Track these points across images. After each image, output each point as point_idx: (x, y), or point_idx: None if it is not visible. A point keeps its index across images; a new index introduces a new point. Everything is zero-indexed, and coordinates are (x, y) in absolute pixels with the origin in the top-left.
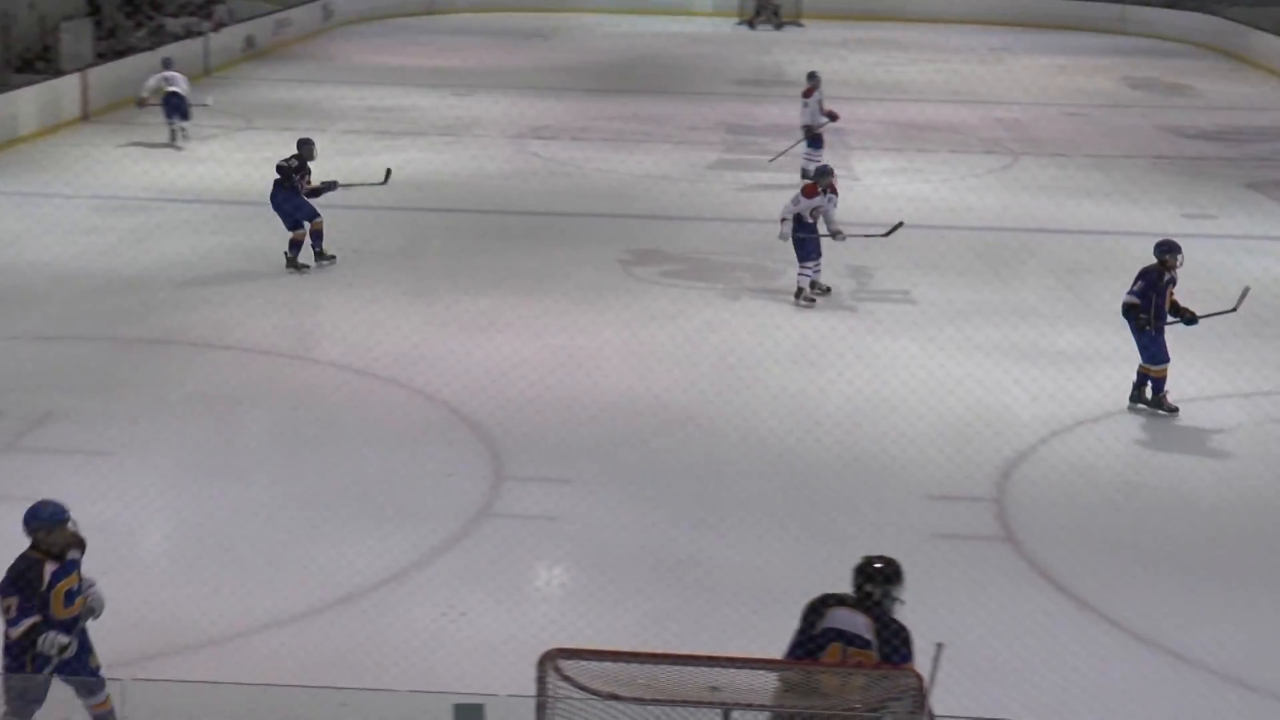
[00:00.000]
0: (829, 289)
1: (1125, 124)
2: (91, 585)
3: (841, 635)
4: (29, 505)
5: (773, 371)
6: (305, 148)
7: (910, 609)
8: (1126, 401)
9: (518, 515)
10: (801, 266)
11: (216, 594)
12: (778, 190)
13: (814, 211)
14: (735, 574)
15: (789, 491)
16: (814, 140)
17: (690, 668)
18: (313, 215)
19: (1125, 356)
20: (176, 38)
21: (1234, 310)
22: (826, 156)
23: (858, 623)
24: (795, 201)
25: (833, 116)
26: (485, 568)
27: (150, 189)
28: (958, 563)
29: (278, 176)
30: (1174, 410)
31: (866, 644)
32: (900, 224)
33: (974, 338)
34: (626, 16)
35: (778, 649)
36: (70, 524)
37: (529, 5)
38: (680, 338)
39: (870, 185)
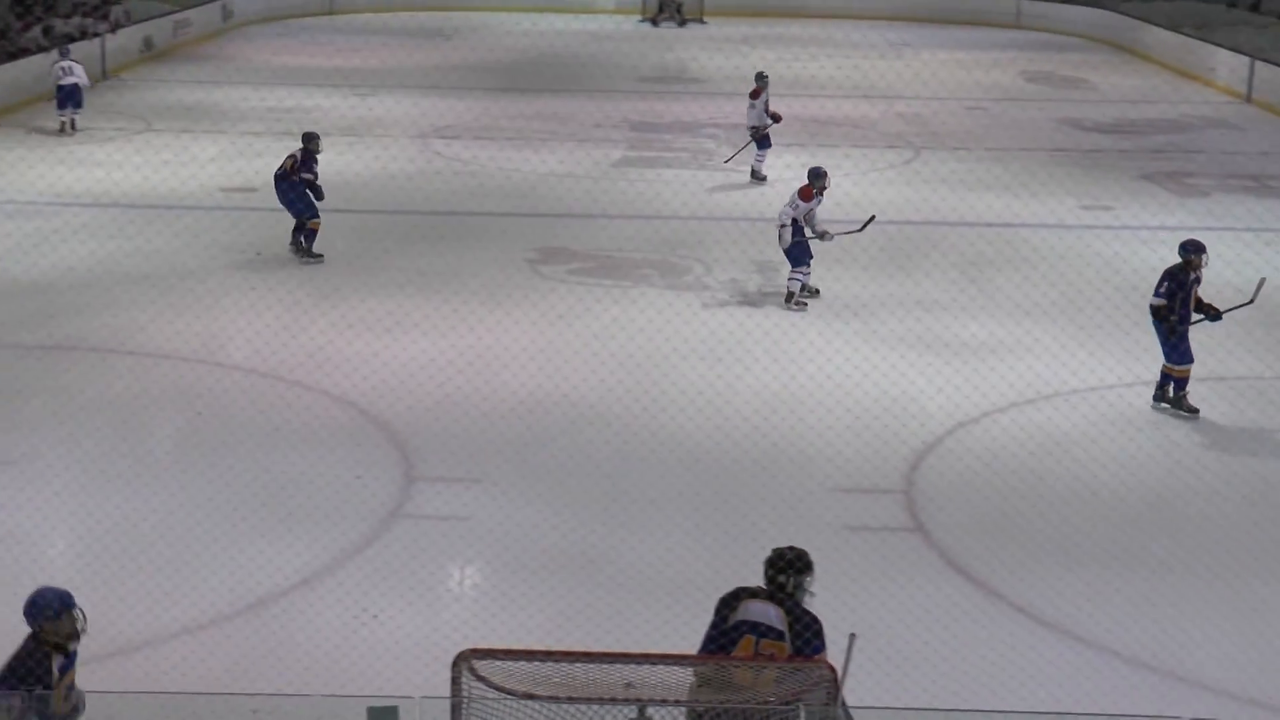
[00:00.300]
0: (818, 291)
1: (1023, 117)
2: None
3: (754, 627)
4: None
5: (680, 368)
6: (311, 141)
7: (822, 600)
8: (1150, 400)
9: (429, 516)
10: (794, 270)
11: (123, 602)
12: (681, 188)
13: (807, 215)
14: (648, 570)
15: (699, 487)
16: (762, 141)
17: (605, 665)
18: (314, 214)
19: (1028, 347)
20: (70, 39)
21: (1252, 302)
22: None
23: (770, 614)
24: (794, 206)
25: (776, 118)
26: (397, 569)
27: (47, 193)
28: (868, 554)
29: (281, 170)
30: (1194, 412)
31: (779, 635)
32: (873, 217)
33: (879, 330)
34: (528, 14)
35: (691, 644)
36: (75, 611)
37: (430, 4)
38: (588, 335)
39: (774, 181)
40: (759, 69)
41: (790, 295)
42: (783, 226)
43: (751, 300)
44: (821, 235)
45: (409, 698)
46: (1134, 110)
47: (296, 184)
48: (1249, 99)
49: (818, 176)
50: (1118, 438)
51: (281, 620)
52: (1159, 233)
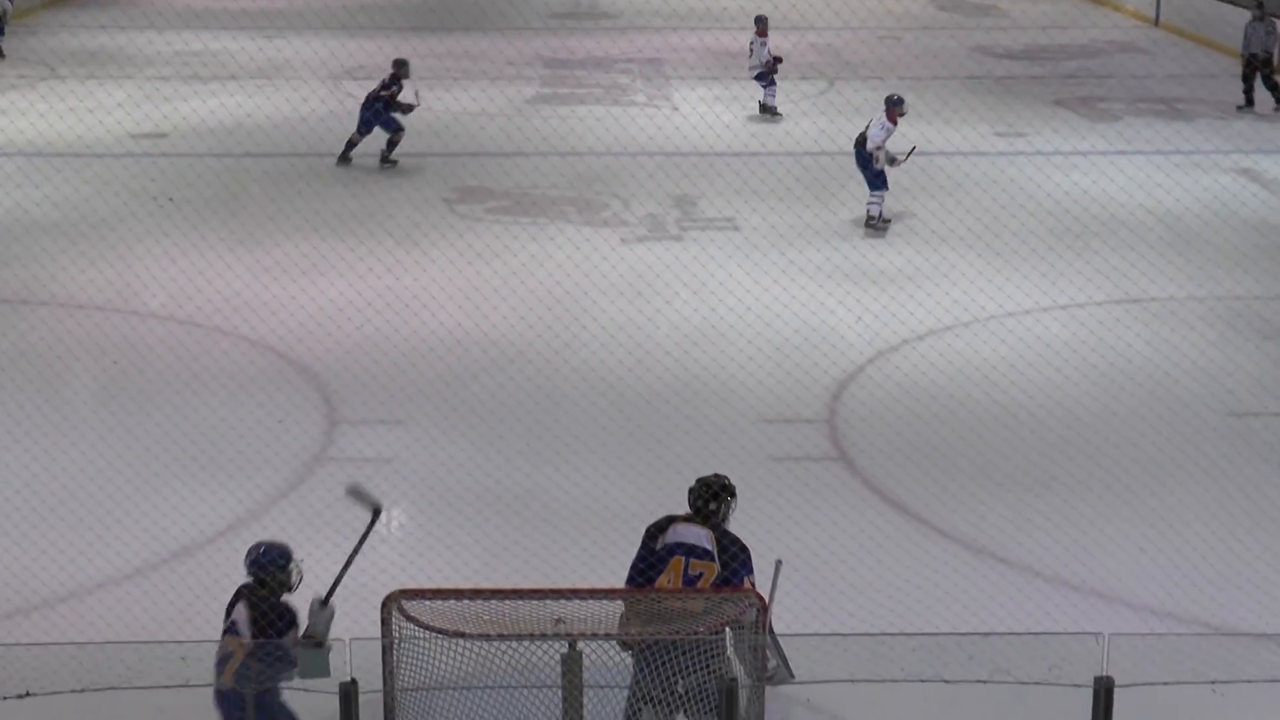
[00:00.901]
0: (890, 220)
1: (936, 45)
2: None
3: (684, 548)
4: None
5: (601, 303)
6: (401, 67)
7: (748, 530)
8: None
9: (353, 459)
10: (874, 194)
11: (44, 555)
12: (596, 124)
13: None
14: (574, 505)
15: (623, 421)
16: (767, 77)
17: (534, 601)
18: (399, 129)
19: (945, 274)
20: None
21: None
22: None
23: (699, 535)
24: (884, 129)
25: (778, 60)
26: (322, 513)
27: None
28: (792, 483)
29: (374, 90)
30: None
31: (709, 555)
32: (914, 148)
33: (798, 261)
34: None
35: (619, 578)
36: (294, 564)
37: None
38: (506, 273)
39: (688, 114)
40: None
41: (870, 219)
42: (879, 149)
43: (670, 234)
44: (892, 161)
45: (338, 640)
46: (1045, 36)
47: (381, 104)
48: (1157, 23)
49: (901, 101)
50: (1036, 361)
51: (207, 567)
52: (1072, 157)
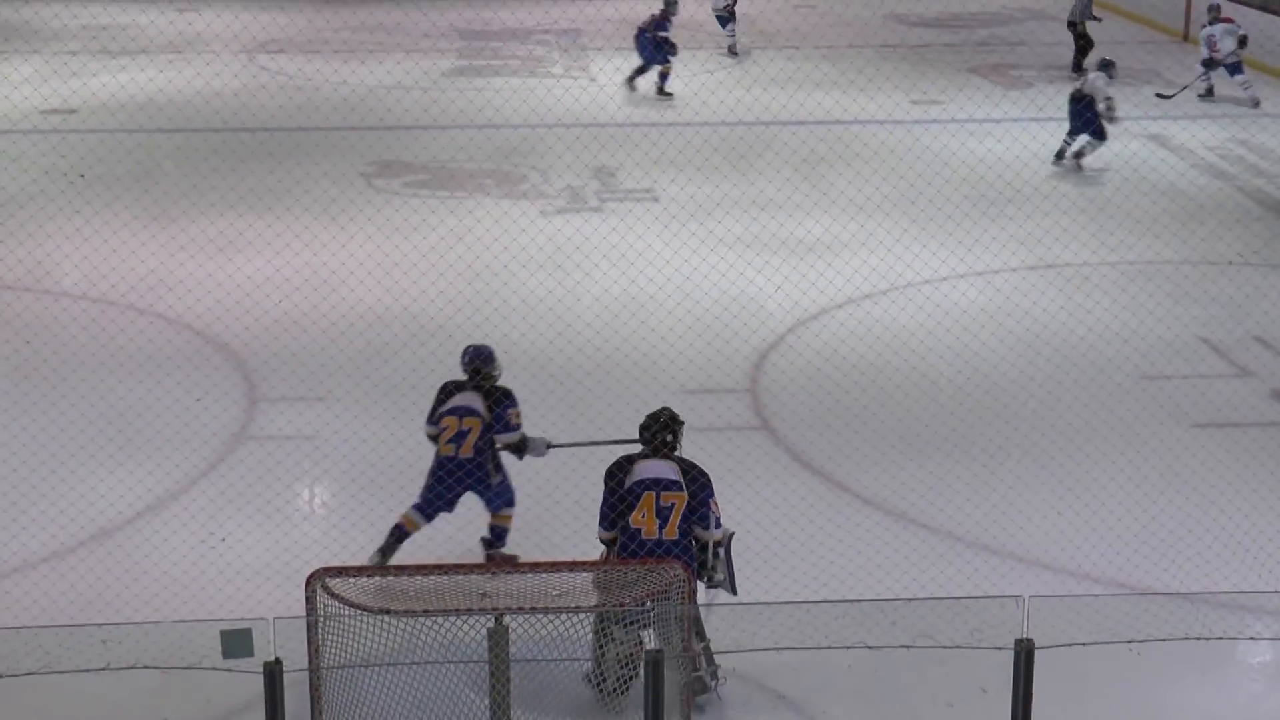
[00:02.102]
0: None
1: (850, 14)
2: None
3: (653, 483)
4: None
5: (521, 276)
6: (670, 4)
7: None
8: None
9: (274, 436)
10: (1095, 140)
11: None
12: (513, 95)
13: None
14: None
15: (545, 395)
16: (725, 20)
17: (459, 577)
18: (666, 60)
19: (863, 242)
20: None
21: None
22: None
23: (664, 468)
24: (1108, 83)
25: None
26: (244, 491)
27: None
28: (715, 454)
29: (641, 26)
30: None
31: (678, 485)
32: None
33: (717, 231)
34: None
35: (544, 551)
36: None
37: None
38: (425, 248)
39: (605, 85)
40: None
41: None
42: (1109, 99)
43: (589, 206)
44: (1112, 117)
45: (262, 619)
46: (958, 4)
47: (650, 38)
48: None
49: (1108, 65)
50: (953, 328)
51: (127, 549)
52: (986, 125)
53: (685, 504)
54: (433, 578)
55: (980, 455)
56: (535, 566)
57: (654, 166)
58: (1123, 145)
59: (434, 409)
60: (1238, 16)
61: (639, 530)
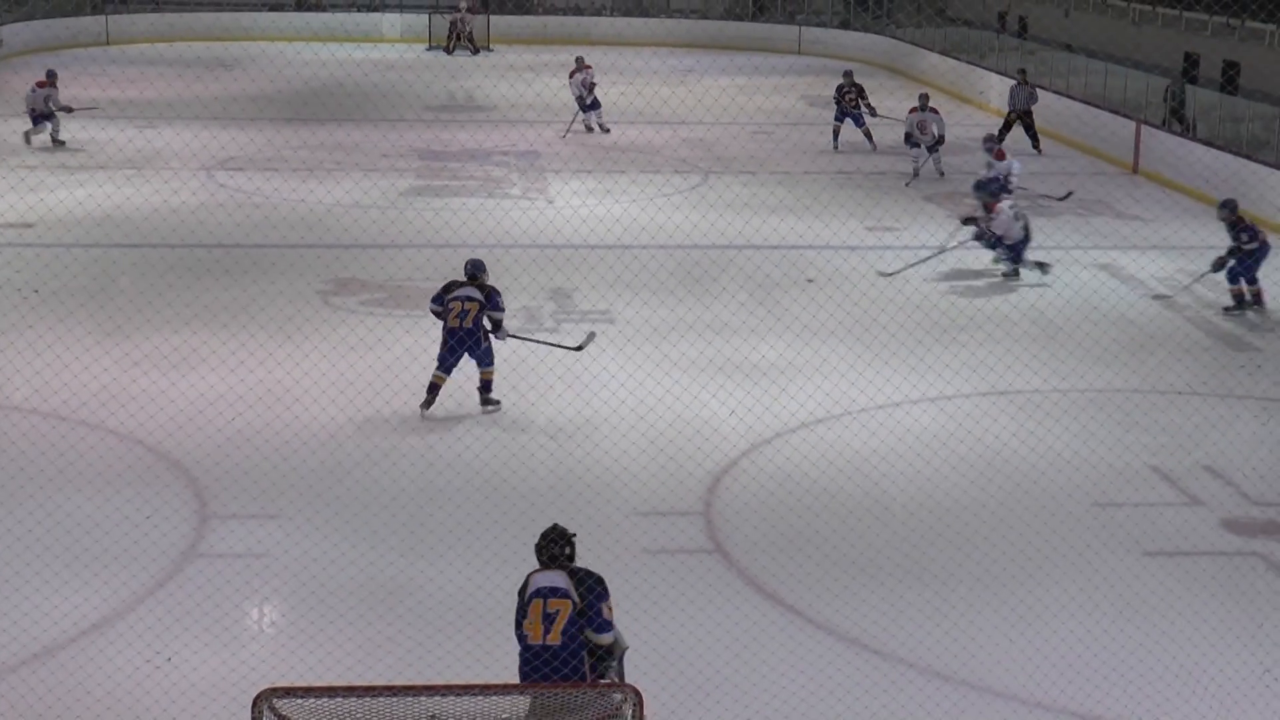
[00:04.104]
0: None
1: (806, 141)
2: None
3: (539, 591)
4: None
5: (475, 397)
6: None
7: (623, 624)
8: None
9: (224, 554)
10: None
11: None
12: (470, 217)
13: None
14: (449, 600)
15: (499, 515)
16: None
17: (409, 698)
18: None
19: (817, 367)
20: None
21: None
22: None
23: (553, 578)
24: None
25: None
26: (193, 610)
27: None
28: (668, 577)
29: None
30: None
31: (563, 592)
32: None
33: (672, 354)
34: (310, 44)
35: (494, 674)
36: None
37: (210, 34)
38: (380, 366)
39: (562, 208)
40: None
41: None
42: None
43: (545, 327)
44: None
45: None
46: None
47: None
48: None
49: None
50: (907, 454)
51: (70, 668)
52: (941, 252)
53: (571, 609)
54: (382, 699)
55: (933, 581)
56: (485, 689)
57: (610, 289)
58: (1073, 275)
59: (441, 295)
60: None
61: (527, 635)
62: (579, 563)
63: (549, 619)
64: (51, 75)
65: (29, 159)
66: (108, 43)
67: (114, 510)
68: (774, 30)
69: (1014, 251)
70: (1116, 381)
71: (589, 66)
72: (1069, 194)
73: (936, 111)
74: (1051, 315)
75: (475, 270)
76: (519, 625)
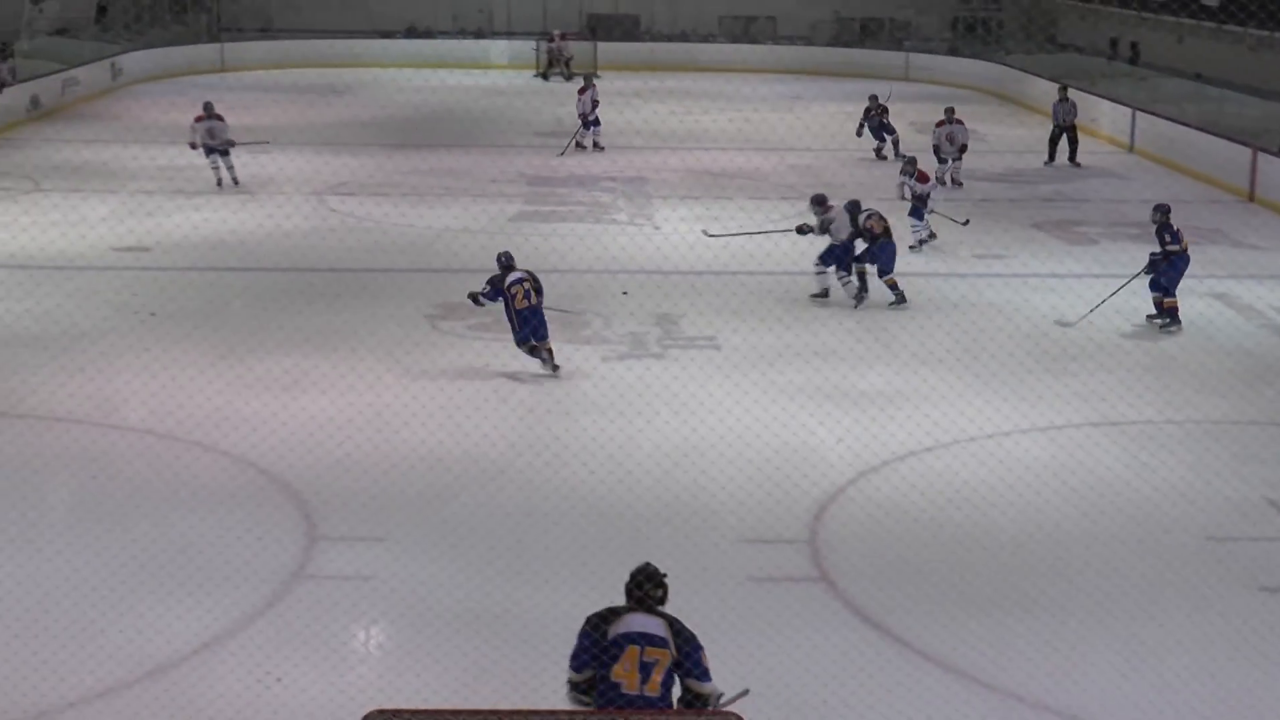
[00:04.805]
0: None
1: None
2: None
3: (638, 638)
4: None
5: (582, 421)
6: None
7: (727, 652)
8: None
9: (332, 576)
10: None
11: (17, 672)
12: (578, 242)
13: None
14: (553, 625)
15: (604, 541)
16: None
17: None
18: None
19: (925, 395)
20: None
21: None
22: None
23: (652, 624)
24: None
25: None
26: (301, 631)
27: None
28: (772, 605)
29: None
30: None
31: (663, 642)
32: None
33: (779, 380)
34: (421, 70)
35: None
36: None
37: (322, 61)
38: (488, 390)
39: (669, 234)
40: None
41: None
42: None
43: (651, 353)
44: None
45: None
46: (1021, 160)
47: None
48: (1131, 148)
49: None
50: (1015, 484)
51: (182, 686)
52: (1049, 280)
53: (670, 661)
54: None
55: (1043, 614)
56: (589, 714)
57: (716, 315)
58: (1188, 304)
59: (494, 285)
60: None
61: (620, 684)
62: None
63: (646, 668)
64: (208, 107)
65: (147, 184)
66: (223, 69)
67: (225, 531)
68: (881, 56)
69: (834, 254)
70: (1232, 413)
71: (595, 85)
72: (966, 221)
73: (962, 123)
74: (1165, 345)
75: (510, 259)
76: (603, 665)
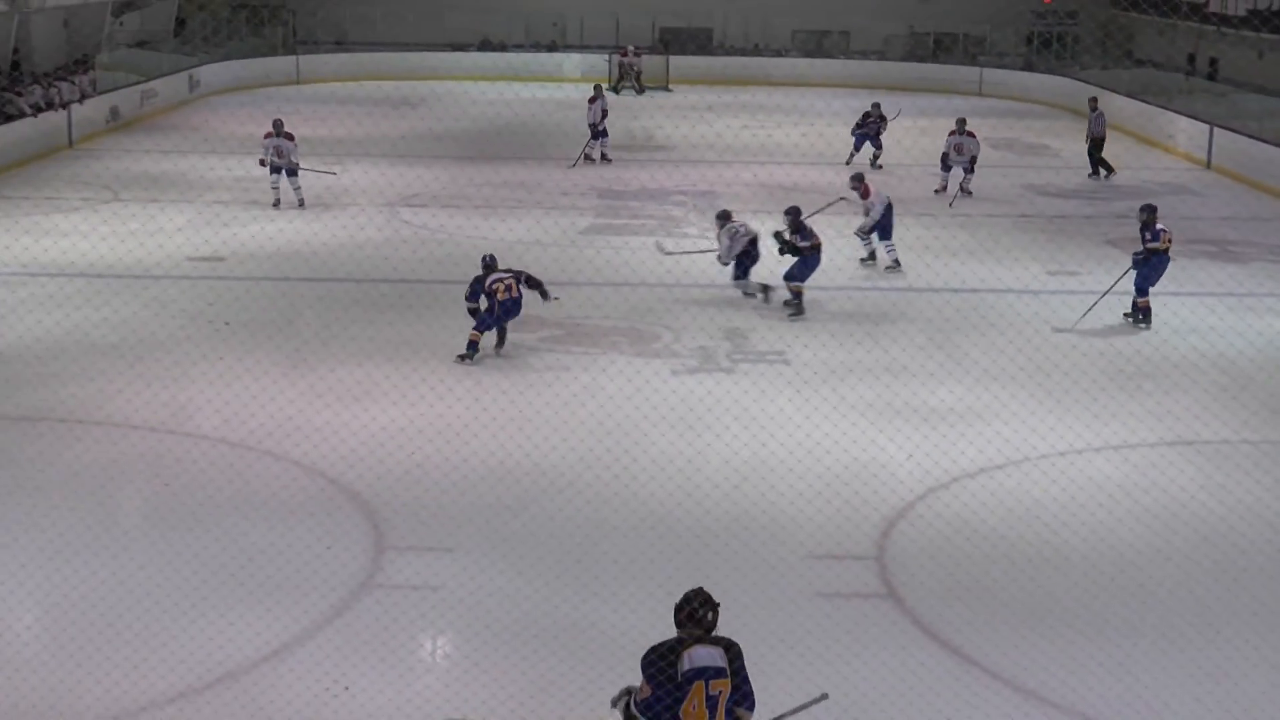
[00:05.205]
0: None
1: (988, 184)
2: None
3: (701, 672)
4: None
5: (651, 435)
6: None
7: (794, 667)
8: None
9: (400, 586)
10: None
11: (90, 676)
12: (649, 256)
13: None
14: (620, 639)
15: (672, 554)
16: (597, 133)
17: None
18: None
19: (996, 412)
20: (38, 109)
21: None
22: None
23: (714, 655)
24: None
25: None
26: (369, 640)
27: (12, 264)
28: (840, 621)
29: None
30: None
31: (723, 672)
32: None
33: (848, 397)
34: (494, 83)
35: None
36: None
37: (396, 74)
38: (558, 403)
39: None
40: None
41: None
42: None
43: (721, 367)
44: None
45: None
46: (1096, 176)
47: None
48: (1209, 165)
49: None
50: (1087, 503)
51: (252, 693)
52: (1124, 298)
53: (730, 690)
54: None
55: (1114, 634)
56: None
57: (787, 329)
58: (1266, 323)
59: (478, 281)
60: None
61: None
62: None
63: (712, 702)
64: (277, 125)
65: (222, 194)
66: (299, 82)
67: (295, 539)
68: (955, 72)
69: (739, 267)
70: None
71: (605, 94)
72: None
73: (973, 135)
74: (1242, 364)
75: (493, 261)
76: (671, 707)
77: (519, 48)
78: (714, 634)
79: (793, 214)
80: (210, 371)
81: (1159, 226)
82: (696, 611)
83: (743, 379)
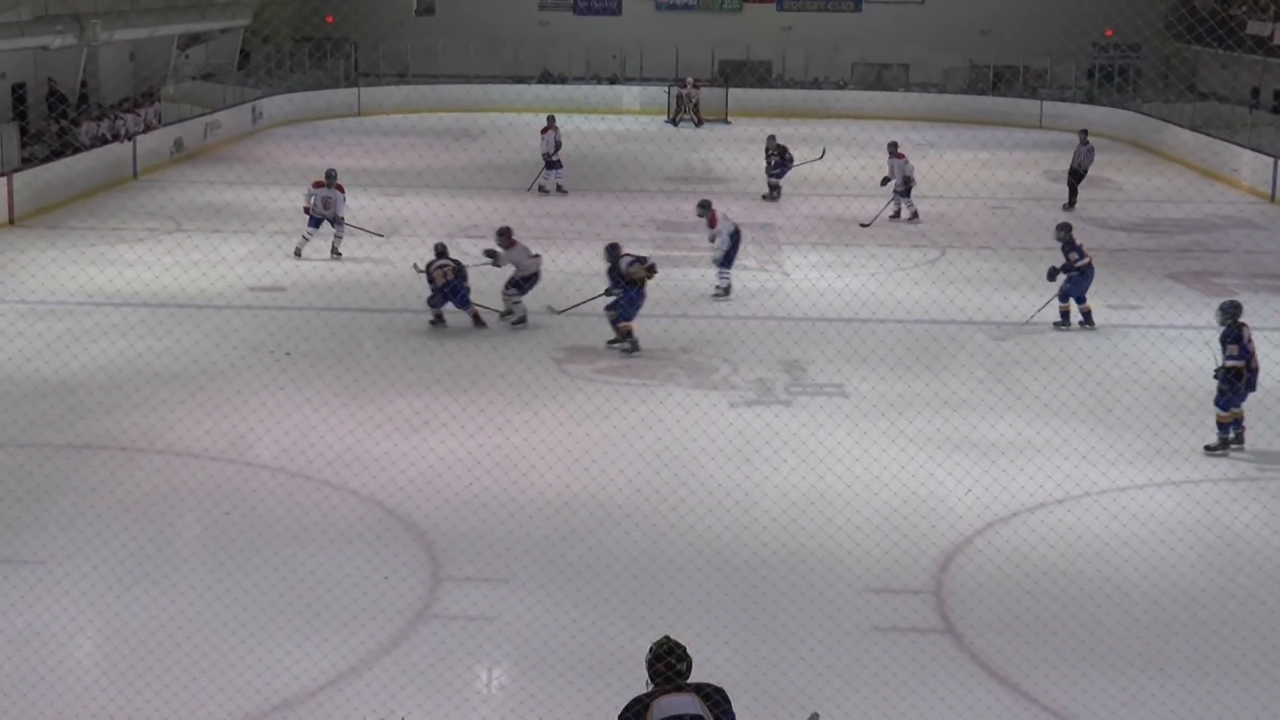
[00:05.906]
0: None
1: (1048, 217)
2: None
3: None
4: None
5: (708, 468)
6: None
7: (852, 702)
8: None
9: (456, 616)
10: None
11: (149, 704)
12: (707, 286)
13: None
14: None
15: (728, 588)
16: (551, 164)
17: None
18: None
19: (1056, 447)
20: (103, 140)
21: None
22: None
23: (687, 703)
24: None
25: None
26: (425, 671)
27: (78, 293)
28: (898, 656)
29: None
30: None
31: (698, 718)
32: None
33: (907, 430)
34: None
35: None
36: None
37: (457, 105)
38: (615, 435)
39: (799, 280)
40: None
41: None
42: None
43: (778, 400)
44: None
45: None
46: (1158, 210)
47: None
48: (1273, 199)
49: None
50: (1149, 539)
51: None
52: (1186, 332)
53: None
54: None
55: (1176, 672)
56: None
57: (845, 362)
58: None
59: (428, 265)
60: None
61: None
62: (799, 645)
63: None
64: (330, 175)
65: (284, 225)
66: (359, 114)
67: (353, 569)
68: (1015, 104)
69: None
70: None
71: (557, 126)
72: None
73: (904, 158)
74: None
75: (443, 249)
76: None
77: (579, 80)
78: (693, 682)
79: (612, 250)
80: (270, 401)
81: (1079, 242)
82: (665, 660)
83: (800, 411)
